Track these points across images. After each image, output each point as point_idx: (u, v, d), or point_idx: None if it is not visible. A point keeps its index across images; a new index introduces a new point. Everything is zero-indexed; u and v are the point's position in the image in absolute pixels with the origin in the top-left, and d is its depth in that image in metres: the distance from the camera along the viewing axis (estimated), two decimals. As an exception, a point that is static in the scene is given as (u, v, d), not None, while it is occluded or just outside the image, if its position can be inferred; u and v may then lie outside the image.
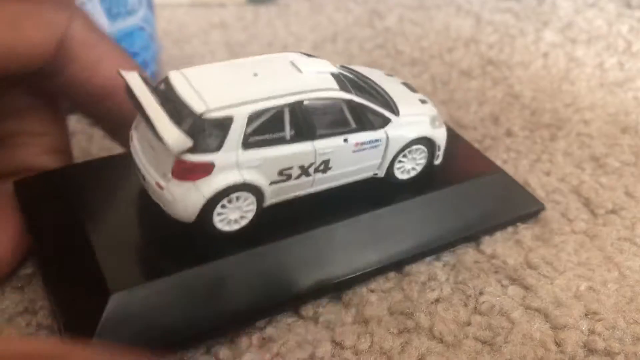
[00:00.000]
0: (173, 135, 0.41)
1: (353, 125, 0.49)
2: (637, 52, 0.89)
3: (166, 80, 0.46)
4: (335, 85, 0.48)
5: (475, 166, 0.59)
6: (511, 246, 0.55)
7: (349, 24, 0.99)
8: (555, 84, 0.81)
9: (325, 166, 0.49)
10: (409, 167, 0.54)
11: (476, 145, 0.69)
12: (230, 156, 0.44)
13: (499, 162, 0.64)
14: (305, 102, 0.46)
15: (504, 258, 0.53)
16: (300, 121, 0.46)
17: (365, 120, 0.50)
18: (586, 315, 0.48)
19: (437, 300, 0.49)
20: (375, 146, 0.51)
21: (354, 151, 0.50)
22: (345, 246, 0.50)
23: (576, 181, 0.63)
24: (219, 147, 0.43)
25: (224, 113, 0.43)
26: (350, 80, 0.52)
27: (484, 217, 0.56)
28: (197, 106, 0.43)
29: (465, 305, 0.49)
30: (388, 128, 0.51)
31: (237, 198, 0.46)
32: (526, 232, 0.56)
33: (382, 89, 0.54)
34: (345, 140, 0.49)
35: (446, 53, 0.89)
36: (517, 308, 0.49)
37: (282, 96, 0.45)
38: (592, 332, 0.47)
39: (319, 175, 0.49)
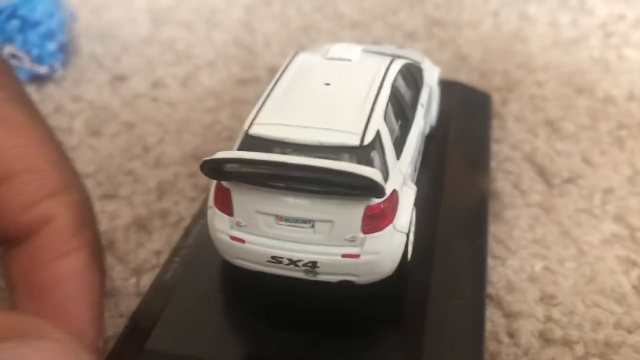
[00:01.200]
0: (375, 172, 0.33)
1: (411, 89, 0.45)
2: (591, 10, 0.84)
3: (254, 138, 0.36)
4: (386, 58, 0.44)
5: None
6: (459, 224, 0.49)
7: (286, -14, 0.91)
8: (506, 44, 0.76)
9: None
10: (432, 115, 0.52)
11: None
12: (397, 174, 0.37)
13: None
14: (395, 85, 0.41)
15: (450, 238, 0.47)
16: (401, 106, 0.41)
17: (416, 79, 0.46)
18: (541, 299, 0.43)
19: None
20: (429, 100, 0.49)
21: (424, 115, 0.46)
22: None
23: (529, 148, 0.58)
24: (387, 171, 0.36)
25: (372, 131, 0.36)
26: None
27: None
28: (348, 139, 0.35)
29: (407, 295, 0.43)
30: (426, 78, 0.48)
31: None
32: (475, 207, 0.50)
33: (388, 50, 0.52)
34: (422, 105, 0.45)
35: (390, 14, 0.82)
36: (466, 295, 0.43)
37: (380, 90, 0.39)
38: (548, 319, 0.42)
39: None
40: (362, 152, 0.35)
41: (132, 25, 0.80)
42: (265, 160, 0.34)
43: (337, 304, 0.38)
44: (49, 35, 0.68)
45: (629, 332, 0.41)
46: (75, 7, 0.75)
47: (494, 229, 0.48)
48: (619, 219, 0.50)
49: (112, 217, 0.50)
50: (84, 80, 0.69)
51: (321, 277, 0.37)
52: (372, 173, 0.33)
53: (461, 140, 0.55)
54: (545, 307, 0.42)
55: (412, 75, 0.45)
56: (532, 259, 0.46)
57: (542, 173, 0.55)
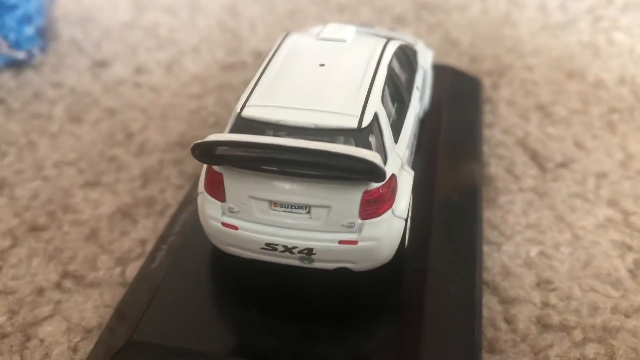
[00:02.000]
0: (375, 155, 0.32)
1: (407, 72, 0.43)
2: (580, -7, 0.83)
3: (247, 121, 0.34)
4: (381, 39, 0.42)
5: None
6: (452, 210, 0.48)
7: (271, -30, 0.90)
8: (495, 28, 0.75)
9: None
10: (426, 98, 0.50)
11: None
12: (395, 158, 0.36)
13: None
14: (392, 66, 0.39)
15: (444, 224, 0.47)
16: (397, 89, 0.39)
17: (411, 62, 0.44)
18: (538, 285, 0.42)
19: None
20: (423, 84, 0.47)
21: (419, 99, 0.44)
22: None
23: (521, 133, 0.57)
24: (385, 155, 0.35)
25: (370, 113, 0.34)
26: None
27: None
28: (345, 121, 0.34)
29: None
30: (420, 61, 0.46)
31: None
32: (468, 193, 0.49)
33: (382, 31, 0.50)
34: (417, 88, 0.44)
35: (377, -2, 0.81)
36: (461, 282, 0.42)
37: (377, 72, 0.38)
38: (545, 304, 0.41)
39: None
40: (360, 135, 0.33)
41: (113, 9, 0.78)
42: (260, 143, 0.32)
43: (331, 292, 0.37)
44: (26, 20, 0.65)
45: (627, 316, 0.40)
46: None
47: (488, 214, 0.48)
48: (612, 203, 0.49)
49: (95, 205, 0.49)
50: (63, 66, 0.67)
51: (317, 265, 0.36)
52: (372, 156, 0.31)
53: (453, 125, 0.54)
54: (542, 292, 0.42)
55: (407, 58, 0.44)
56: (527, 244, 0.45)
57: (535, 158, 0.54)
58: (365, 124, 0.34)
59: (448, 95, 0.57)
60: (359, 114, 0.34)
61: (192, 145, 0.33)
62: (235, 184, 0.34)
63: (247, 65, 0.67)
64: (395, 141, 0.37)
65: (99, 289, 0.42)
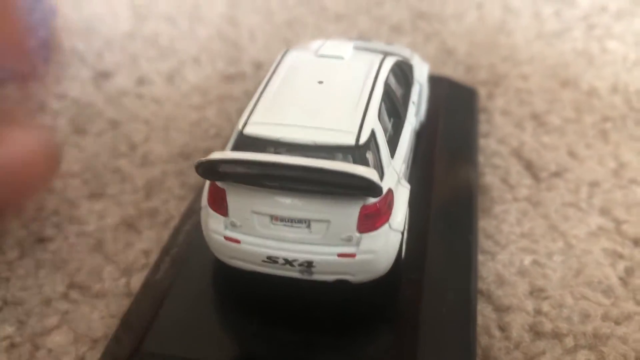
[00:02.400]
0: (372, 172, 0.33)
1: (403, 87, 0.44)
2: (574, 1, 0.84)
3: (249, 138, 0.36)
4: (378, 56, 0.43)
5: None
6: (448, 220, 0.49)
7: (270, -21, 0.91)
8: (490, 37, 0.76)
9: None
10: (422, 111, 0.52)
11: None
12: (392, 173, 0.37)
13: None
14: (388, 82, 0.41)
15: (440, 234, 0.48)
16: (393, 104, 0.41)
17: (407, 77, 0.45)
18: (531, 293, 0.44)
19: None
20: (419, 98, 0.48)
21: (415, 113, 0.46)
22: None
23: (516, 142, 0.58)
24: (382, 170, 0.36)
25: (367, 130, 0.36)
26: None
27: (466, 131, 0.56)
28: (343, 138, 0.35)
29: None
30: (416, 75, 0.48)
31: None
32: (464, 202, 0.51)
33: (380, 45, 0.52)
34: (413, 102, 0.45)
35: (374, 7, 0.82)
36: (457, 290, 0.44)
37: (374, 88, 0.39)
38: (538, 312, 0.42)
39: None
40: (357, 152, 0.35)
41: (114, 20, 0.79)
42: (262, 161, 0.34)
43: (331, 303, 0.38)
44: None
45: (617, 323, 0.42)
46: (55, 1, 0.74)
47: (484, 223, 0.49)
48: (604, 212, 0.51)
49: (100, 216, 0.50)
50: (66, 77, 0.68)
51: (317, 277, 0.37)
52: (369, 173, 0.33)
53: (449, 136, 0.55)
54: (535, 300, 0.43)
55: (403, 73, 0.45)
56: (521, 253, 0.47)
57: (529, 167, 0.55)
58: (362, 140, 0.35)
59: (444, 106, 0.58)
60: (357, 131, 0.36)
61: (195, 163, 0.34)
62: (238, 200, 0.36)
63: (247, 76, 0.68)
64: (392, 156, 0.38)
65: (104, 299, 0.43)
